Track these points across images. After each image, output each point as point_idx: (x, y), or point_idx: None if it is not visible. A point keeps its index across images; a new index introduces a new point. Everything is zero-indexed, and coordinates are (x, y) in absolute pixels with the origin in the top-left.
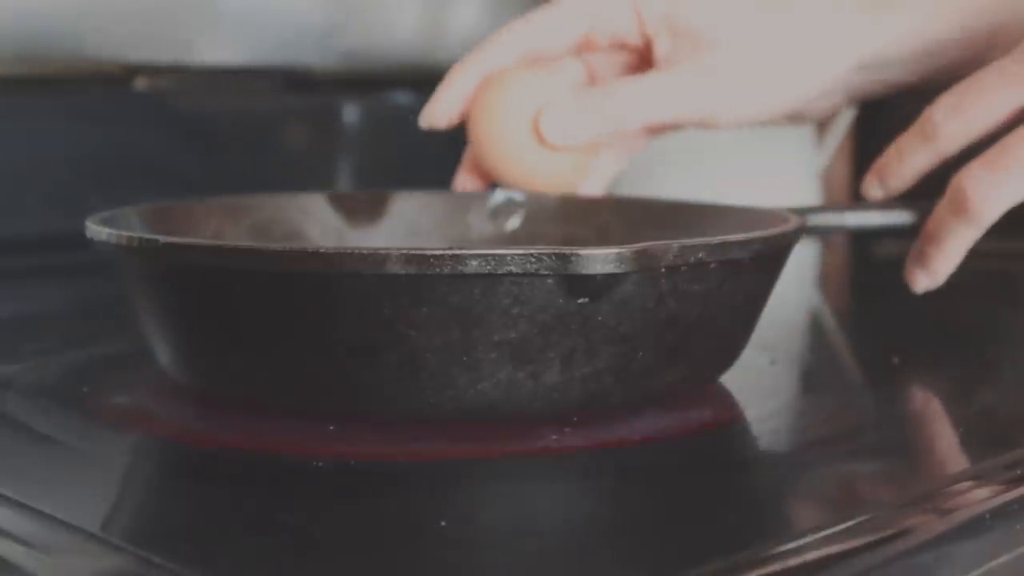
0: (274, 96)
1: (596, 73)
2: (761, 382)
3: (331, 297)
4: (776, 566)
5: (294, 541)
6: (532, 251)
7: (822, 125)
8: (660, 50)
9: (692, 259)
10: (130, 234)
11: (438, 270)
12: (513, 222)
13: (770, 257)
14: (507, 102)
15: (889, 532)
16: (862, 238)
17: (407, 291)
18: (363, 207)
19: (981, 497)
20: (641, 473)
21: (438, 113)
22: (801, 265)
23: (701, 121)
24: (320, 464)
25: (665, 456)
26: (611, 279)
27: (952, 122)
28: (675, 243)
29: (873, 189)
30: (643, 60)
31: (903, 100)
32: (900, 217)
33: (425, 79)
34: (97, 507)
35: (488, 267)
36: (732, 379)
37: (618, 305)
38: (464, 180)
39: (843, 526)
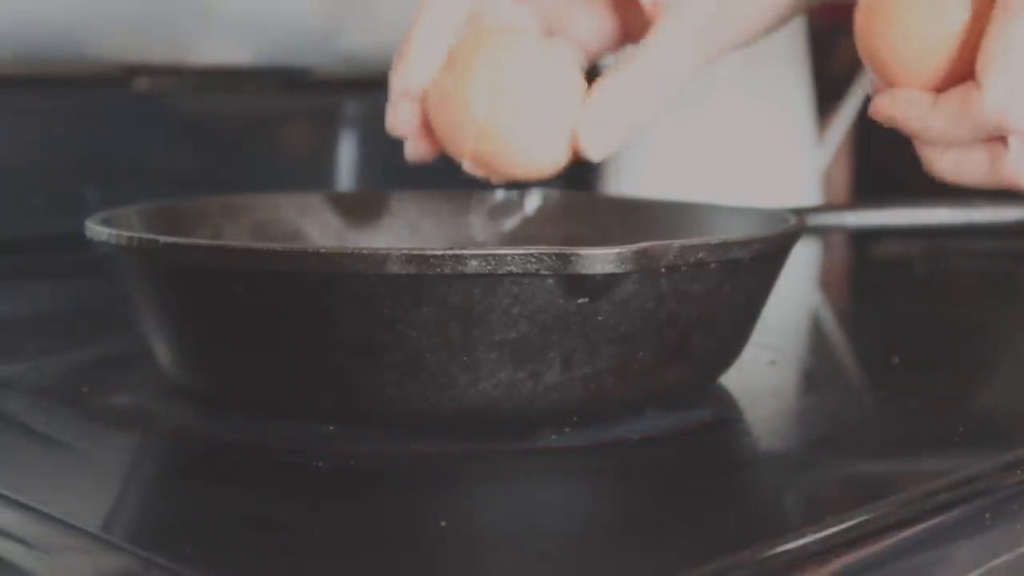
0: (274, 96)
1: (549, 16)
2: (761, 382)
3: (331, 297)
4: (776, 566)
5: (294, 541)
6: (532, 251)
7: (822, 125)
8: None
9: (692, 259)
10: (130, 234)
11: (438, 270)
12: (513, 221)
13: (770, 257)
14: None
15: (889, 532)
16: (862, 238)
17: (407, 291)
18: (363, 207)
19: (981, 497)
20: (641, 473)
21: (403, 115)
22: (801, 265)
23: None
24: (320, 464)
25: (665, 456)
26: (611, 279)
27: None
28: (675, 243)
29: None
30: None
31: None
32: (900, 217)
33: None
34: (97, 507)
35: (488, 267)
36: (732, 379)
37: (618, 305)
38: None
39: (843, 526)
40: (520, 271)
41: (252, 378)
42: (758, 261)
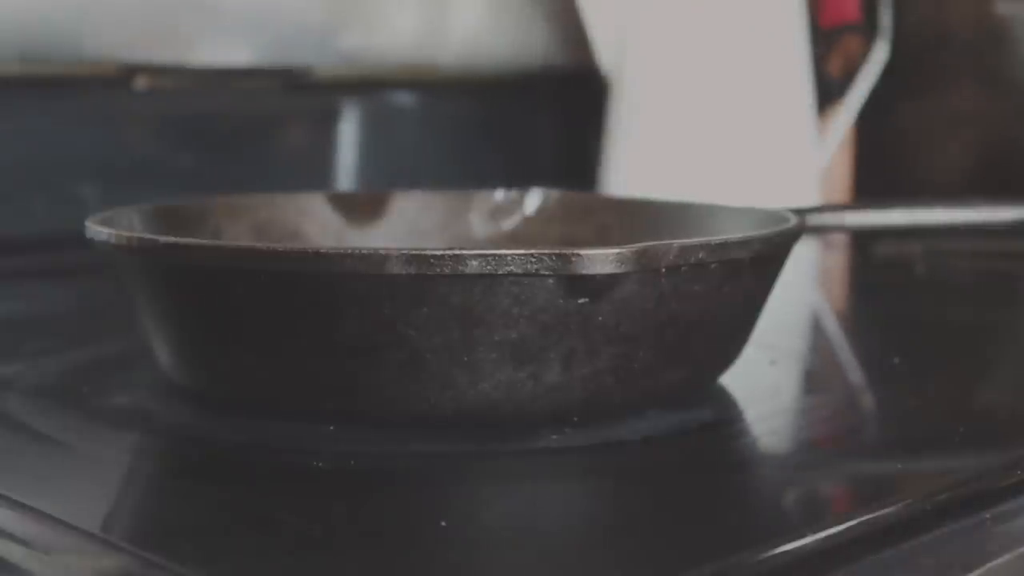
0: (274, 96)
1: None
2: (761, 382)
3: (331, 297)
4: (776, 566)
5: (294, 541)
6: (532, 251)
7: (822, 125)
8: None
9: (692, 259)
10: (130, 234)
11: (438, 270)
12: (513, 221)
13: (770, 257)
14: None
15: (889, 532)
16: (862, 238)
17: (408, 291)
18: (363, 207)
19: (981, 497)
20: (641, 473)
21: None
22: (801, 265)
23: None
24: (320, 464)
25: (665, 456)
26: (611, 279)
27: None
28: (675, 243)
29: None
30: None
31: (903, 101)
32: (900, 217)
33: (425, 79)
34: (97, 507)
35: (488, 267)
36: (732, 379)
37: (618, 305)
38: None
39: (843, 526)
40: (520, 271)
41: (252, 378)
42: (758, 261)
